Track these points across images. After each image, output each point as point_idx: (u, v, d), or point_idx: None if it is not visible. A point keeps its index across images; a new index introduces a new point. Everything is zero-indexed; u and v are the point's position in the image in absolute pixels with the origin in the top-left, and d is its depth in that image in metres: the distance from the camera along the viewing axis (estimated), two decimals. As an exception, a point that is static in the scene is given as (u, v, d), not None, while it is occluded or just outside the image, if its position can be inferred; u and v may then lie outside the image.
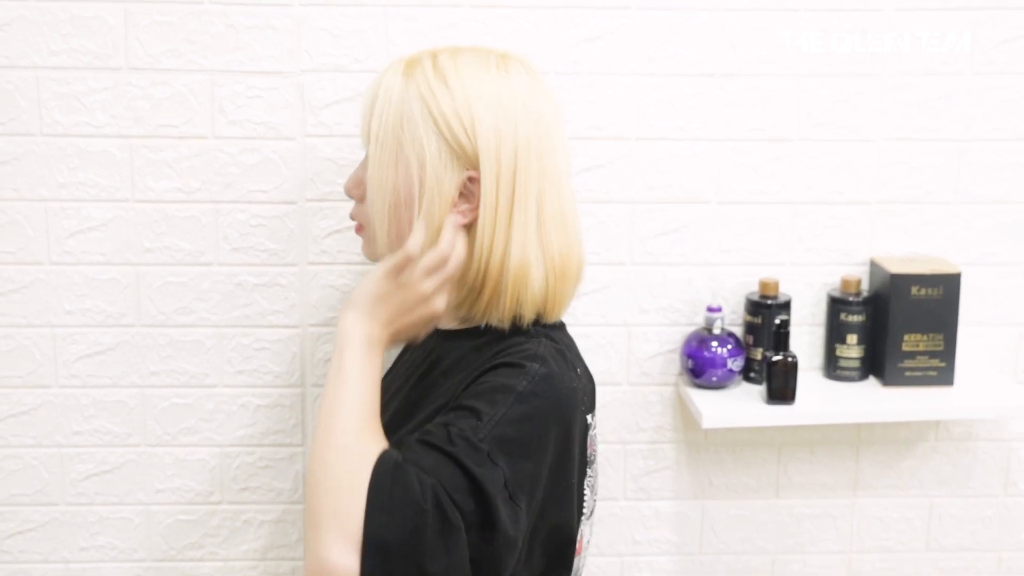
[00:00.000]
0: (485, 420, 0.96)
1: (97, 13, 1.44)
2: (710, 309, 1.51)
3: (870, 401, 1.50)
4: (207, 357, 1.54)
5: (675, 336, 1.57)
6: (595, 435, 1.12)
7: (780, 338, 1.47)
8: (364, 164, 1.13)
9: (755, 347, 1.53)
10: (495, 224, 1.05)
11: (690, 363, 1.52)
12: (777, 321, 1.48)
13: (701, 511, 1.64)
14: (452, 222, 1.06)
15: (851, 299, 1.53)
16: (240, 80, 1.47)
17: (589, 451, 1.09)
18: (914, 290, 1.50)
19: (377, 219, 1.09)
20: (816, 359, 1.60)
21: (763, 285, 1.52)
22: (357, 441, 0.95)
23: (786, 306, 1.52)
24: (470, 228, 1.07)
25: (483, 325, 1.10)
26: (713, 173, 1.53)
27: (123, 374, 1.54)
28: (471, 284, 1.07)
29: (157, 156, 1.48)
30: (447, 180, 1.05)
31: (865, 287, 1.57)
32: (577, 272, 1.12)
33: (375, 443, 0.96)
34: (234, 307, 1.53)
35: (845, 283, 1.54)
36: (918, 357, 1.52)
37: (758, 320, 1.52)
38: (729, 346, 1.50)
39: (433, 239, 1.06)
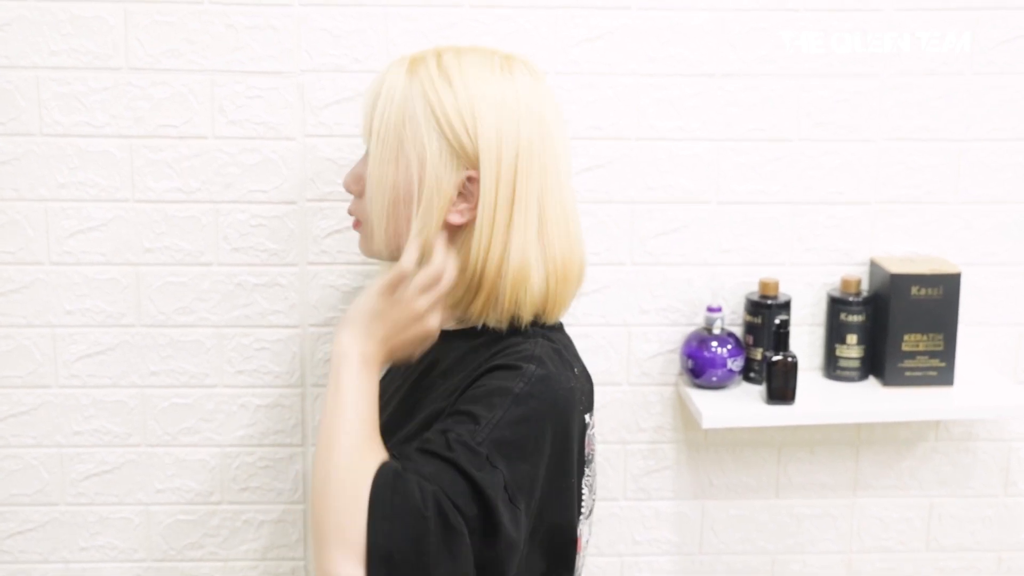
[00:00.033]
0: (483, 424, 0.97)
1: (97, 13, 1.44)
2: (710, 309, 1.51)
3: (870, 401, 1.50)
4: (207, 357, 1.54)
5: (675, 336, 1.57)
6: (593, 434, 1.12)
7: (780, 338, 1.47)
8: (364, 160, 1.13)
9: (755, 347, 1.53)
10: (493, 225, 1.05)
11: (690, 363, 1.52)
12: (777, 321, 1.48)
13: (701, 511, 1.64)
14: (443, 240, 1.06)
15: (851, 299, 1.53)
16: (240, 80, 1.47)
17: (587, 450, 1.09)
18: (914, 290, 1.50)
19: (375, 215, 1.10)
20: (816, 359, 1.60)
21: (763, 285, 1.52)
22: (357, 458, 0.95)
23: (786, 306, 1.52)
24: (468, 228, 1.07)
25: (480, 326, 1.10)
26: (713, 173, 1.53)
27: (123, 374, 1.54)
28: (467, 284, 1.08)
29: (157, 156, 1.48)
30: (446, 179, 1.05)
31: (865, 287, 1.57)
32: (579, 274, 1.12)
33: (375, 457, 0.96)
34: (234, 307, 1.53)
35: (845, 283, 1.54)
36: (918, 357, 1.52)
37: (758, 320, 1.52)
38: (729, 346, 1.50)
39: (429, 243, 1.06)
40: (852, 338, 1.54)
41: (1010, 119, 1.54)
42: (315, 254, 1.52)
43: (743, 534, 1.65)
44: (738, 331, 1.55)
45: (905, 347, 1.52)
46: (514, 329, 1.09)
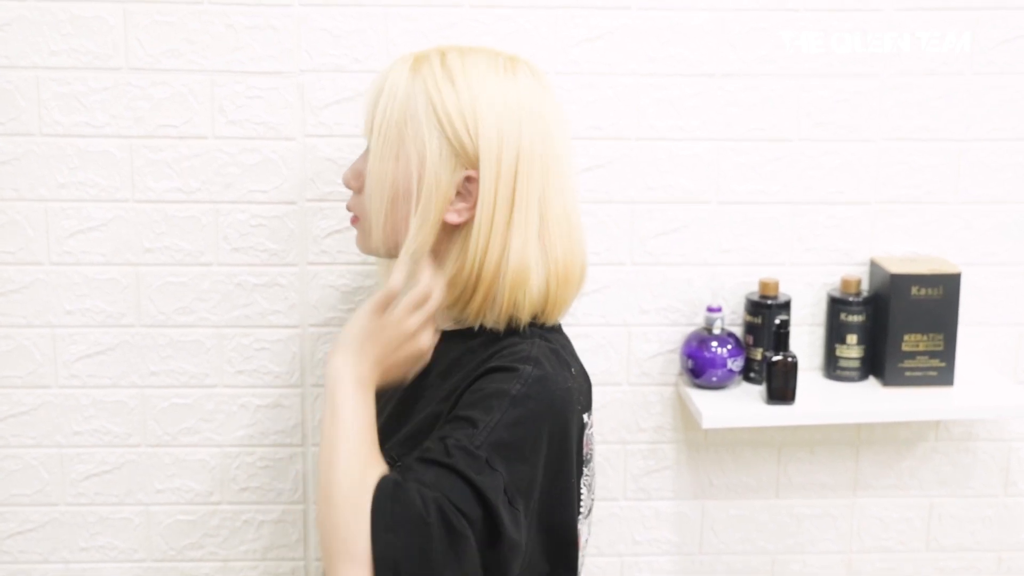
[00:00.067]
0: (481, 427, 0.97)
1: (97, 13, 1.44)
2: (710, 309, 1.51)
3: (870, 401, 1.50)
4: (207, 357, 1.54)
5: (675, 336, 1.57)
6: (592, 434, 1.12)
7: (780, 338, 1.47)
8: (364, 156, 1.13)
9: (755, 347, 1.53)
10: (492, 225, 1.05)
11: (690, 363, 1.52)
12: (777, 321, 1.48)
13: (701, 511, 1.64)
14: (429, 260, 1.07)
15: (851, 299, 1.53)
16: (240, 80, 1.47)
17: (586, 450, 1.09)
18: (914, 290, 1.50)
19: (373, 212, 1.10)
20: (816, 359, 1.60)
21: (763, 285, 1.52)
22: (358, 475, 0.95)
23: (786, 306, 1.52)
24: (466, 228, 1.07)
25: (477, 327, 1.10)
26: (713, 173, 1.53)
27: (123, 374, 1.54)
28: (464, 284, 1.08)
29: (157, 156, 1.48)
30: (446, 178, 1.06)
31: (865, 287, 1.57)
32: (580, 277, 1.12)
33: (375, 472, 0.96)
34: (234, 307, 1.53)
35: (845, 283, 1.54)
36: (918, 357, 1.52)
37: (758, 320, 1.52)
38: (729, 346, 1.50)
39: (429, 237, 1.06)
40: (852, 338, 1.54)
41: (1010, 119, 1.54)
42: (315, 254, 1.52)
43: (743, 534, 1.65)
44: (738, 331, 1.55)
45: (905, 347, 1.52)
46: (511, 330, 1.09)
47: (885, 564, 1.67)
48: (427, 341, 1.09)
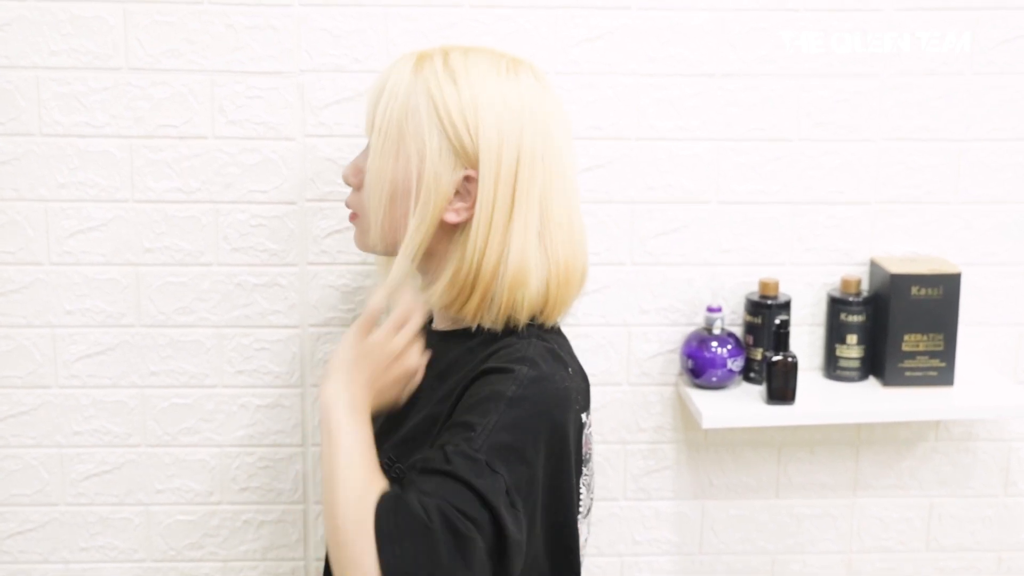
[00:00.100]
0: (478, 431, 0.97)
1: (97, 13, 1.44)
2: (710, 309, 1.51)
3: (870, 401, 1.50)
4: (207, 357, 1.54)
5: (675, 336, 1.57)
6: (590, 433, 1.12)
7: (780, 338, 1.47)
8: (365, 153, 1.14)
9: (755, 347, 1.53)
10: (490, 226, 1.05)
11: (690, 363, 1.52)
12: (777, 321, 1.48)
13: (701, 511, 1.64)
14: (411, 285, 1.10)
15: (851, 299, 1.53)
16: (240, 80, 1.47)
17: (584, 450, 1.09)
18: (914, 290, 1.50)
19: (372, 209, 1.10)
20: (816, 359, 1.60)
21: (763, 285, 1.52)
22: (359, 497, 0.94)
23: (786, 306, 1.52)
24: (464, 227, 1.07)
25: (475, 327, 1.10)
26: (713, 173, 1.53)
27: (123, 374, 1.54)
28: (462, 285, 1.08)
29: (157, 156, 1.48)
30: (445, 177, 1.06)
31: (865, 287, 1.57)
32: (581, 278, 1.12)
33: (376, 491, 0.96)
34: (234, 307, 1.53)
35: (845, 283, 1.54)
36: (918, 357, 1.52)
37: (758, 320, 1.52)
38: (729, 346, 1.50)
39: (427, 235, 1.07)
40: (852, 338, 1.54)
41: (1010, 119, 1.54)
42: (315, 254, 1.52)
43: (743, 534, 1.65)
44: (738, 331, 1.55)
45: (905, 347, 1.52)
46: (509, 330, 1.09)
47: (885, 564, 1.67)
48: (415, 360, 1.11)
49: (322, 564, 1.27)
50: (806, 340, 1.59)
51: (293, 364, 1.55)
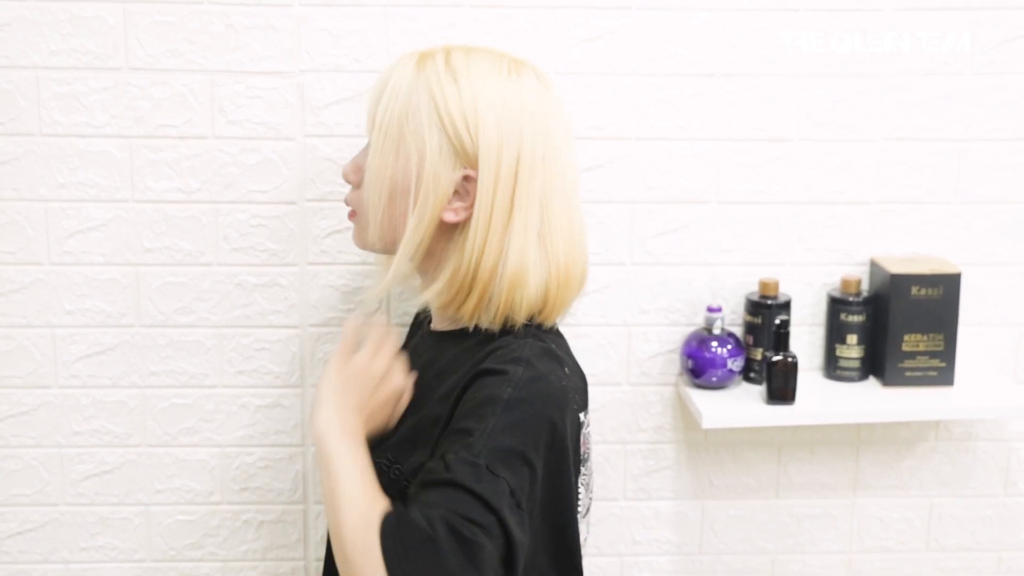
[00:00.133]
0: (477, 436, 0.96)
1: (97, 13, 1.44)
2: (710, 309, 1.51)
3: (870, 401, 1.50)
4: (207, 357, 1.54)
5: (675, 336, 1.57)
6: (588, 433, 1.12)
7: (780, 338, 1.47)
8: (365, 151, 1.14)
9: (755, 347, 1.53)
10: (489, 226, 1.05)
11: (690, 363, 1.52)
12: (777, 321, 1.48)
13: (701, 511, 1.64)
14: (381, 311, 1.14)
15: (851, 299, 1.53)
16: (240, 80, 1.47)
17: (582, 449, 1.09)
18: (914, 290, 1.50)
19: (371, 207, 1.10)
20: (816, 359, 1.60)
21: (763, 285, 1.52)
22: (363, 521, 0.94)
23: (786, 306, 1.52)
24: (463, 227, 1.07)
25: (472, 327, 1.10)
26: (713, 173, 1.53)
27: (123, 374, 1.54)
28: (460, 285, 1.08)
29: (157, 156, 1.48)
30: (444, 176, 1.06)
31: (865, 287, 1.57)
32: (580, 279, 1.12)
33: (378, 512, 0.95)
34: (234, 307, 1.53)
35: (845, 283, 1.54)
36: (918, 357, 1.52)
37: (758, 320, 1.52)
38: (729, 346, 1.50)
39: (426, 235, 1.07)
40: (852, 338, 1.54)
41: (1010, 119, 1.54)
42: (315, 254, 1.52)
43: (743, 534, 1.65)
44: (738, 331, 1.55)
45: (905, 347, 1.52)
46: (506, 330, 1.09)
47: (885, 564, 1.67)
48: (400, 380, 1.11)
49: (322, 564, 1.26)
50: (806, 340, 1.59)
51: (293, 364, 1.55)
